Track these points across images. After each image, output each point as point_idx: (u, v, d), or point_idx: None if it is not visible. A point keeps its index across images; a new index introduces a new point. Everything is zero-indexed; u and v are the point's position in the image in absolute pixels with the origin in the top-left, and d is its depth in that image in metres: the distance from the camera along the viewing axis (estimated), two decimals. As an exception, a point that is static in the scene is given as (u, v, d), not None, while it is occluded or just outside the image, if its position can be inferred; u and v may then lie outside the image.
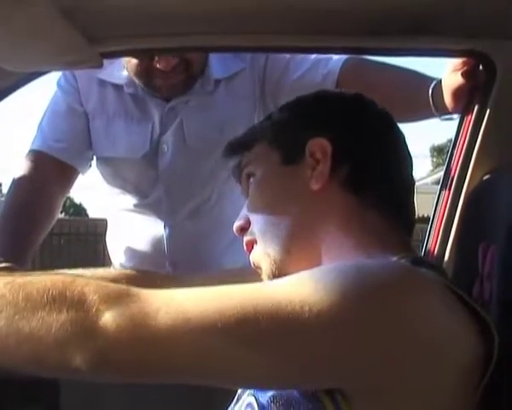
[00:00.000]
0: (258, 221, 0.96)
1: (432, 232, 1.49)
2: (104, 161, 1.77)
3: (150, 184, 1.75)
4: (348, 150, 0.94)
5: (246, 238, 0.99)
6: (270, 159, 0.97)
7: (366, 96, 1.02)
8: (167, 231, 1.76)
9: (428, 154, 35.56)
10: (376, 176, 0.94)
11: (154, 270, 1.69)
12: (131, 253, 1.82)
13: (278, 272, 0.94)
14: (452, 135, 1.44)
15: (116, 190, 1.82)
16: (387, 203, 0.94)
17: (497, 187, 1.20)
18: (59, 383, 1.36)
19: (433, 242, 1.48)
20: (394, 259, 0.87)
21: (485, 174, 1.34)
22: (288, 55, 1.65)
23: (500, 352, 0.81)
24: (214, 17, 1.14)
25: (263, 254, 0.96)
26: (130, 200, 1.80)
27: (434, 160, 34.94)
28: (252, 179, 0.99)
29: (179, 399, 1.37)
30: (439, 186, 1.49)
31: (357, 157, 0.94)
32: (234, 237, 1.78)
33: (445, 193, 1.45)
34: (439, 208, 1.47)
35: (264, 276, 0.96)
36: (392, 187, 0.96)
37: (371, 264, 0.80)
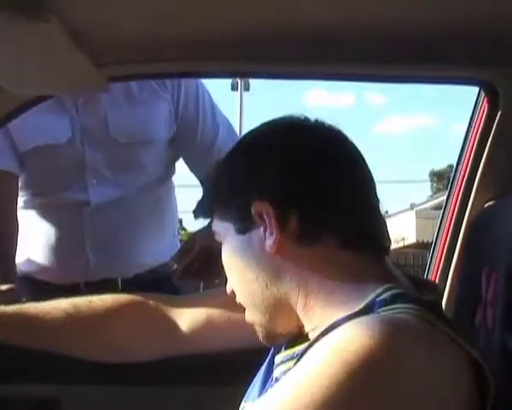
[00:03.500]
0: (237, 292, 0.98)
1: (433, 258, 1.49)
2: (28, 155, 1.79)
3: (76, 172, 1.81)
4: (289, 201, 0.90)
5: (237, 301, 0.99)
6: (227, 232, 0.96)
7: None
8: (89, 216, 1.80)
9: (428, 179, 35.63)
10: (331, 214, 0.90)
11: (71, 259, 1.80)
12: (47, 248, 1.83)
13: (269, 334, 0.95)
14: (452, 160, 1.45)
15: (35, 185, 1.84)
16: (350, 237, 0.90)
17: (499, 214, 1.20)
18: (60, 403, 1.36)
19: (434, 267, 1.48)
20: (372, 296, 0.85)
21: (488, 201, 1.35)
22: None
23: (503, 385, 0.81)
24: (220, 43, 1.15)
25: (251, 320, 0.97)
26: (52, 191, 1.82)
27: (434, 185, 34.99)
28: (222, 250, 0.99)
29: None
30: (441, 212, 1.49)
31: (304, 203, 0.90)
32: (151, 228, 1.86)
33: (446, 219, 1.46)
34: (440, 234, 1.47)
35: (260, 338, 0.97)
36: (353, 219, 0.91)
37: (351, 347, 0.76)
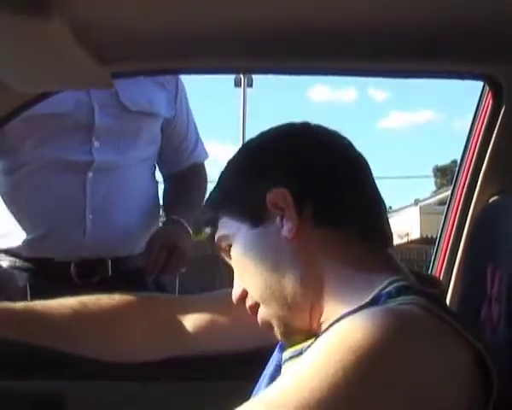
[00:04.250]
0: (252, 289, 0.97)
1: (438, 254, 1.49)
2: (27, 120, 1.75)
3: (84, 134, 1.85)
4: (306, 188, 0.94)
5: (248, 304, 0.99)
6: (239, 229, 0.97)
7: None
8: (91, 179, 1.84)
9: (432, 174, 35.60)
10: (341, 203, 0.94)
11: (70, 226, 1.81)
12: (49, 211, 1.83)
13: (288, 328, 0.95)
14: (456, 156, 1.45)
15: (41, 145, 1.84)
16: (361, 226, 0.94)
17: (504, 209, 1.20)
18: (66, 399, 1.37)
19: (439, 263, 1.48)
20: (379, 288, 0.87)
21: (492, 196, 1.35)
22: None
23: (508, 380, 0.80)
24: (223, 39, 1.15)
25: (268, 316, 0.97)
26: (59, 151, 1.84)
27: (438, 180, 34.97)
28: (232, 252, 0.99)
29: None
30: (446, 207, 1.49)
31: (317, 191, 0.94)
32: (145, 208, 1.94)
33: (451, 214, 1.46)
34: (445, 230, 1.47)
35: (277, 334, 0.97)
36: (360, 209, 0.95)
37: (360, 336, 0.76)
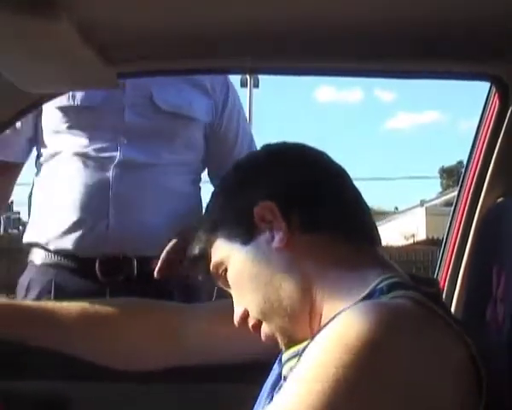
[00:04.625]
0: (252, 306, 0.98)
1: (444, 255, 1.49)
2: (59, 112, 1.83)
3: (112, 131, 1.84)
4: (291, 198, 0.97)
5: (250, 324, 1.00)
6: (232, 251, 0.99)
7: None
8: (116, 174, 1.82)
9: (437, 175, 35.57)
10: (325, 208, 0.97)
11: (94, 220, 1.80)
12: (73, 205, 1.83)
13: (291, 340, 0.97)
14: (462, 157, 1.45)
15: (70, 141, 1.86)
16: (345, 228, 0.97)
17: (510, 210, 1.20)
18: (68, 399, 1.37)
19: (445, 264, 1.48)
20: (373, 285, 0.88)
21: (499, 197, 1.34)
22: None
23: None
24: (229, 40, 1.15)
25: (271, 330, 0.98)
26: (87, 146, 1.85)
27: (444, 181, 34.93)
28: (228, 274, 1.01)
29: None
30: (452, 208, 1.49)
31: (302, 199, 0.97)
32: (171, 211, 1.85)
33: (457, 215, 1.45)
34: (451, 231, 1.47)
35: (282, 346, 0.99)
36: (342, 213, 0.98)
37: (353, 337, 0.77)
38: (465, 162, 1.49)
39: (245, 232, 0.97)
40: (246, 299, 0.99)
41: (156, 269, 1.76)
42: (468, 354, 0.81)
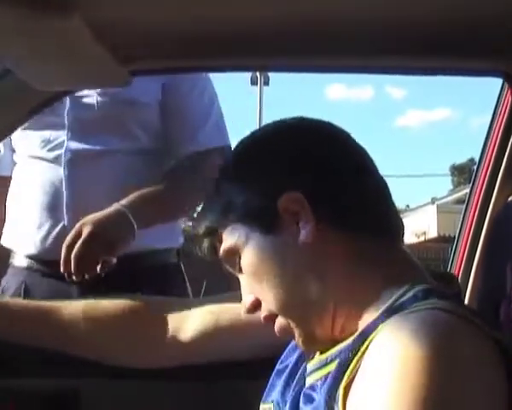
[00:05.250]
0: (269, 299, 0.91)
1: (456, 253, 1.48)
2: None
3: (57, 126, 1.77)
4: (319, 188, 0.89)
5: (263, 314, 0.93)
6: (249, 237, 0.91)
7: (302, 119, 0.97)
8: (67, 172, 1.75)
9: (449, 173, 35.42)
10: (355, 202, 0.90)
11: (52, 221, 1.73)
12: (30, 209, 1.78)
13: (310, 337, 0.92)
14: (473, 154, 1.44)
15: (21, 145, 1.82)
16: (373, 226, 0.91)
17: (523, 207, 1.19)
18: (79, 395, 1.38)
19: (457, 262, 1.47)
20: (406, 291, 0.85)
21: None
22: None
23: None
24: (239, 37, 1.15)
25: (288, 326, 0.92)
26: (32, 148, 1.79)
27: (455, 179, 34.78)
28: (243, 262, 0.92)
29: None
30: (464, 206, 1.49)
31: (330, 190, 0.90)
32: (126, 194, 1.68)
33: (469, 213, 1.45)
34: (463, 228, 1.46)
35: (298, 342, 0.94)
36: (370, 208, 0.91)
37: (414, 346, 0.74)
38: (477, 160, 1.48)
39: (267, 220, 0.89)
40: (262, 290, 0.91)
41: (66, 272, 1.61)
42: (500, 356, 0.79)
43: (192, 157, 1.82)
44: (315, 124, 0.98)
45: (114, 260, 1.61)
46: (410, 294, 0.84)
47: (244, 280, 0.95)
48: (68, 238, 1.59)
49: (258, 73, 16.24)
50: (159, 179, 1.79)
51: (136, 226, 1.65)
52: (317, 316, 0.90)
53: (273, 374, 1.03)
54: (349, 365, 0.80)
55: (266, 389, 1.02)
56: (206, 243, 0.95)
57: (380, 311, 0.84)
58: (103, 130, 1.76)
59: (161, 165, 1.85)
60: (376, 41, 1.15)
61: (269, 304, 0.92)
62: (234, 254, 0.93)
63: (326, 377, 0.84)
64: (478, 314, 0.84)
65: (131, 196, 1.68)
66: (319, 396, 0.84)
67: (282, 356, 1.04)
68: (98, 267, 1.59)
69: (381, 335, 0.78)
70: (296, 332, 0.92)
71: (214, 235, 0.94)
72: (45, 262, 1.78)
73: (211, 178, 0.99)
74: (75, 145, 1.77)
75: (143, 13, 1.00)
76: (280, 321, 0.93)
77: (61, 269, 1.59)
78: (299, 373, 0.97)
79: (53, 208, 1.76)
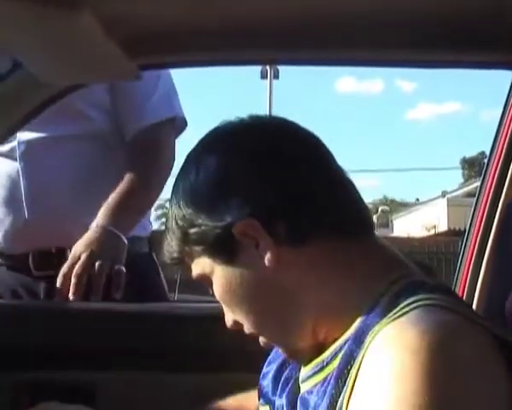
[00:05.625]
0: (245, 323, 0.90)
1: (467, 246, 1.48)
2: None
3: None
4: (271, 209, 0.85)
5: (246, 332, 0.91)
6: (213, 267, 0.88)
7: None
8: (22, 165, 1.70)
9: (459, 166, 35.31)
10: (314, 212, 0.86)
11: (13, 215, 1.68)
12: None
13: (292, 350, 0.90)
14: (483, 147, 1.43)
15: None
16: (340, 227, 0.87)
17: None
18: (96, 388, 1.39)
19: (468, 256, 1.47)
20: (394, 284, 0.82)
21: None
22: None
23: None
24: (249, 31, 1.15)
25: (270, 343, 0.92)
26: None
27: (465, 172, 34.66)
28: (214, 288, 0.90)
29: None
30: (475, 199, 1.48)
31: (283, 208, 0.85)
32: (89, 183, 1.67)
33: (480, 207, 1.44)
34: (474, 222, 1.46)
35: (282, 353, 0.93)
36: (337, 210, 0.87)
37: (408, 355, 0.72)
38: (487, 153, 1.47)
39: (227, 251, 0.86)
40: (236, 314, 0.90)
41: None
42: (497, 346, 0.77)
43: (142, 134, 1.73)
44: (262, 130, 0.92)
45: (123, 269, 1.57)
46: (399, 287, 0.82)
47: (221, 302, 0.92)
48: (66, 264, 1.55)
49: (267, 67, 16.22)
50: (120, 169, 1.71)
51: (123, 238, 1.60)
52: (296, 333, 0.87)
53: (260, 378, 1.02)
54: (347, 376, 0.78)
55: (258, 392, 1.02)
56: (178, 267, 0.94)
57: (369, 309, 0.81)
58: (54, 115, 1.57)
59: (122, 149, 1.78)
60: (387, 34, 1.14)
61: (246, 326, 0.90)
62: (205, 281, 0.91)
63: (325, 379, 0.83)
64: (470, 307, 0.83)
65: (104, 212, 1.62)
66: (320, 400, 0.82)
67: (270, 357, 1.03)
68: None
69: (381, 338, 0.76)
70: (279, 349, 0.92)
71: (181, 264, 0.92)
72: (9, 256, 1.75)
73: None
74: (27, 136, 1.71)
75: (152, 7, 1.01)
76: (262, 339, 0.91)
77: (60, 296, 1.55)
78: (286, 375, 0.96)
79: (12, 202, 1.72)
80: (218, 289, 0.89)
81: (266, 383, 1.00)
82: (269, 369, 1.01)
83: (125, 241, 1.61)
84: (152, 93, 1.73)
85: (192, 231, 0.87)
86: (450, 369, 0.71)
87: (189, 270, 0.92)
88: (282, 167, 0.87)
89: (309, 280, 0.86)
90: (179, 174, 0.93)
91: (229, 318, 0.92)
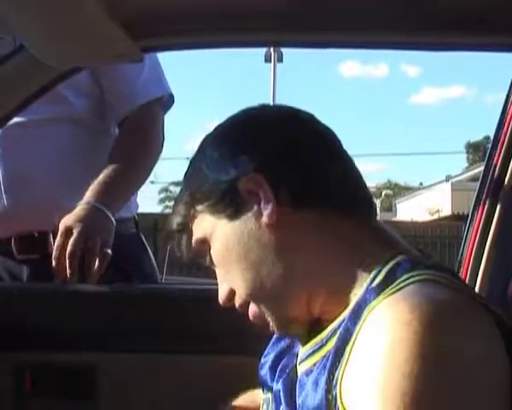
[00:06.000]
0: (239, 287, 0.91)
1: (470, 230, 1.47)
2: None
3: None
4: (278, 169, 0.89)
5: (237, 304, 0.92)
6: (216, 226, 0.91)
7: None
8: (0, 150, 1.69)
9: (464, 150, 35.24)
10: (318, 179, 0.90)
11: None
12: None
13: (284, 320, 0.90)
14: (488, 132, 1.42)
15: None
16: (341, 202, 0.89)
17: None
18: (95, 369, 1.40)
19: (471, 240, 1.46)
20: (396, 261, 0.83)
21: (526, 171, 1.32)
22: None
23: None
24: (252, 13, 1.15)
25: (262, 312, 0.91)
26: None
27: (470, 156, 34.59)
28: (212, 251, 0.92)
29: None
30: (478, 184, 1.48)
31: (291, 172, 0.89)
32: (68, 167, 1.65)
33: (484, 191, 1.44)
34: (477, 206, 1.45)
35: (272, 328, 0.92)
36: (338, 181, 0.90)
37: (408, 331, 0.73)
38: (492, 137, 1.47)
39: (231, 206, 0.89)
40: (232, 278, 0.91)
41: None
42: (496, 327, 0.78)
43: (134, 114, 1.71)
44: (279, 109, 1.00)
45: (110, 253, 1.55)
46: (396, 264, 0.83)
47: (217, 271, 0.94)
48: (58, 240, 1.53)
49: (271, 50, 16.18)
50: (100, 152, 1.70)
51: (112, 217, 1.58)
52: (290, 300, 0.88)
53: (259, 368, 1.02)
54: (344, 349, 0.79)
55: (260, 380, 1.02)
56: (181, 240, 0.95)
57: (366, 285, 0.83)
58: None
59: (105, 137, 1.77)
60: (392, 16, 1.14)
61: (240, 292, 0.91)
62: (203, 244, 0.93)
63: (325, 356, 0.83)
64: (466, 284, 0.83)
65: (94, 190, 1.60)
66: (320, 375, 0.83)
67: (265, 351, 1.03)
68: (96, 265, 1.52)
69: (377, 312, 0.77)
70: (269, 317, 0.91)
71: (185, 230, 0.94)
72: None
73: None
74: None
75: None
76: (252, 308, 0.91)
77: (57, 275, 1.53)
78: (283, 364, 0.96)
79: None
80: (217, 249, 0.91)
81: (264, 372, 1.00)
82: (266, 359, 1.02)
83: (114, 222, 1.59)
84: (141, 72, 1.71)
85: (200, 189, 0.92)
86: (442, 341, 0.72)
87: (190, 239, 0.94)
88: (288, 138, 0.92)
89: (305, 246, 0.88)
90: (198, 149, 0.97)
91: (224, 289, 0.93)
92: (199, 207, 0.92)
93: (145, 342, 1.42)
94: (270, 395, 0.98)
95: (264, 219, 0.87)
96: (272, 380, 0.97)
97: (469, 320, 0.76)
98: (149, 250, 1.84)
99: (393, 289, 0.79)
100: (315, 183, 0.89)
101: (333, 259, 0.87)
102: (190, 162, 0.97)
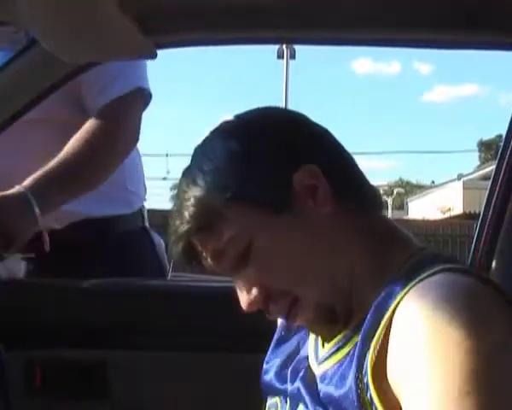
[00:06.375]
0: (283, 277, 0.87)
1: (482, 229, 1.47)
2: None
3: None
4: (331, 164, 0.90)
5: (282, 300, 0.88)
6: (261, 220, 0.86)
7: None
8: None
9: (476, 149, 35.06)
10: (353, 180, 0.92)
11: None
12: None
13: (326, 314, 0.88)
14: (501, 130, 1.42)
15: None
16: (365, 197, 0.92)
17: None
18: (106, 365, 1.41)
19: (482, 239, 1.46)
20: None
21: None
22: None
23: None
24: (264, 10, 1.15)
25: (312, 307, 0.88)
26: None
27: (482, 155, 34.42)
28: (253, 248, 0.86)
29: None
30: (490, 183, 1.47)
31: (334, 166, 0.90)
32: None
33: (495, 190, 1.43)
34: (489, 205, 1.45)
35: (307, 321, 0.90)
36: (361, 184, 0.93)
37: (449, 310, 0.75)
38: (504, 136, 1.46)
39: (280, 199, 0.85)
40: (277, 270, 0.87)
41: None
42: None
43: (107, 109, 1.61)
44: (288, 111, 1.00)
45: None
46: (418, 257, 0.86)
47: (248, 271, 0.87)
48: None
49: (284, 47, 16.15)
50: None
51: (38, 212, 1.44)
52: (342, 294, 0.88)
53: (262, 374, 1.01)
54: (374, 335, 0.79)
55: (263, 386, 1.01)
56: (188, 242, 0.89)
57: (393, 276, 0.84)
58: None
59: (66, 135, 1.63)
60: (405, 13, 1.14)
61: (283, 281, 0.87)
62: (236, 243, 0.86)
63: (349, 352, 0.83)
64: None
65: (38, 174, 1.48)
66: (347, 369, 0.82)
67: (267, 357, 1.02)
68: None
69: (406, 299, 0.78)
70: (313, 310, 0.88)
71: (206, 230, 0.87)
72: None
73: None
74: None
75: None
76: (300, 305, 0.88)
77: None
78: (293, 367, 0.95)
79: None
80: (264, 243, 0.86)
81: (269, 377, 0.98)
82: (270, 365, 1.00)
83: (37, 218, 1.44)
84: (115, 65, 1.61)
85: (237, 180, 0.86)
86: (479, 322, 0.74)
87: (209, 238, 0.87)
88: (316, 135, 0.93)
89: (352, 239, 0.88)
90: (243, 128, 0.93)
91: (253, 293, 0.88)
92: (235, 201, 0.86)
93: (156, 338, 1.42)
94: (277, 399, 0.97)
95: (322, 210, 0.87)
96: (283, 382, 0.95)
97: (497, 301, 0.79)
98: (158, 246, 1.80)
99: (422, 277, 0.80)
100: (352, 181, 0.92)
101: (370, 253, 0.89)
102: (222, 149, 0.89)
